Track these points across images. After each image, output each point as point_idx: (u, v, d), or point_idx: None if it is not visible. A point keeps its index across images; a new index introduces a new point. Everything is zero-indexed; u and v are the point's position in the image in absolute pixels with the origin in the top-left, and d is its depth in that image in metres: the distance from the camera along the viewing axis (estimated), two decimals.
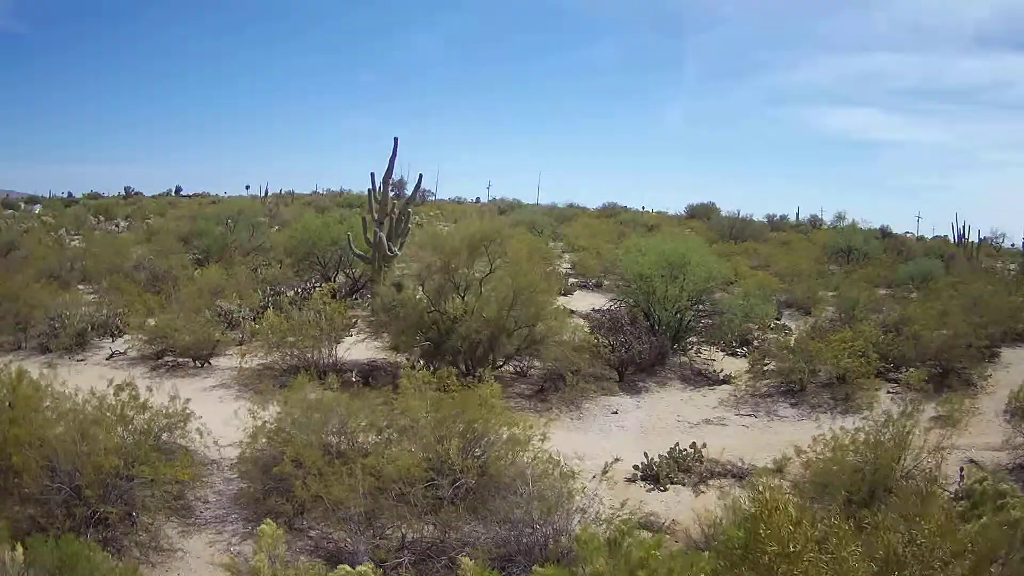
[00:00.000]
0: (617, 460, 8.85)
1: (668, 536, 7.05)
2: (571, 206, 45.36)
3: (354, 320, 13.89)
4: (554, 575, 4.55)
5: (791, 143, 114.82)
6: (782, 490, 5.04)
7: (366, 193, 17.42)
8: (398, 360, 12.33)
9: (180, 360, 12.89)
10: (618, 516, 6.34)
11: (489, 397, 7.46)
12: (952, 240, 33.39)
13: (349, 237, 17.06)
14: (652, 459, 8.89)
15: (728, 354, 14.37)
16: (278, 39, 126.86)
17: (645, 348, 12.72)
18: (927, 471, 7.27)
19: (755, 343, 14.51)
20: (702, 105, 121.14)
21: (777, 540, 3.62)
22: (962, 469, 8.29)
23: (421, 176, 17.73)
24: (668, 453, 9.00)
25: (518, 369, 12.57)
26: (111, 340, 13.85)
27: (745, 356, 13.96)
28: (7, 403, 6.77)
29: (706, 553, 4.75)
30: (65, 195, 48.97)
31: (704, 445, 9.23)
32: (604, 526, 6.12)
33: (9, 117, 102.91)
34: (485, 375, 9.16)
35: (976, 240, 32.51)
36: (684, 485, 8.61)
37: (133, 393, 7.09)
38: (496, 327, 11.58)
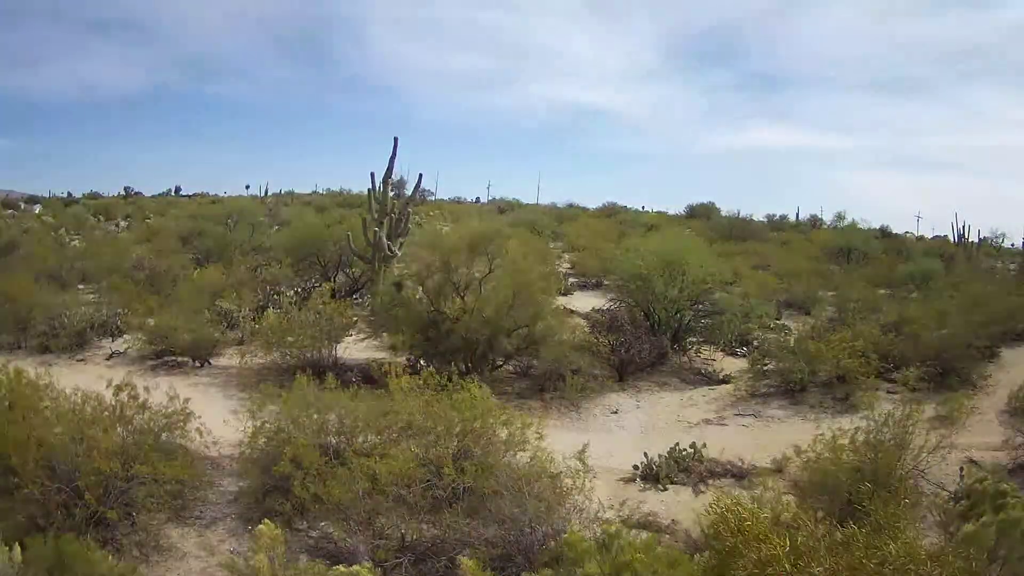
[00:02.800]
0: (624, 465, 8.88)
1: (667, 536, 7.05)
2: (571, 206, 45.41)
3: (354, 320, 13.89)
4: None
5: None
6: (746, 504, 4.97)
7: (366, 193, 17.43)
8: (398, 360, 12.33)
9: (180, 360, 12.89)
10: (618, 516, 6.35)
11: (479, 398, 7.42)
12: (952, 240, 33.38)
13: (349, 237, 17.05)
14: (652, 459, 8.89)
15: (728, 354, 14.37)
16: (278, 37, 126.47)
17: (645, 348, 12.71)
18: (921, 473, 7.24)
19: (755, 343, 14.51)
20: None
21: (751, 554, 3.63)
22: (962, 469, 8.27)
23: (421, 176, 17.71)
24: (668, 453, 8.99)
25: (518, 369, 12.57)
26: (111, 340, 13.85)
27: (745, 356, 13.95)
28: (6, 403, 6.77)
29: (696, 555, 4.74)
30: (65, 195, 48.87)
31: (704, 445, 9.22)
32: (599, 526, 6.12)
33: (8, 116, 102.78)
34: (483, 372, 9.16)
35: (976, 240, 32.50)
36: (684, 485, 8.61)
37: (132, 393, 7.09)
38: (495, 327, 11.58)
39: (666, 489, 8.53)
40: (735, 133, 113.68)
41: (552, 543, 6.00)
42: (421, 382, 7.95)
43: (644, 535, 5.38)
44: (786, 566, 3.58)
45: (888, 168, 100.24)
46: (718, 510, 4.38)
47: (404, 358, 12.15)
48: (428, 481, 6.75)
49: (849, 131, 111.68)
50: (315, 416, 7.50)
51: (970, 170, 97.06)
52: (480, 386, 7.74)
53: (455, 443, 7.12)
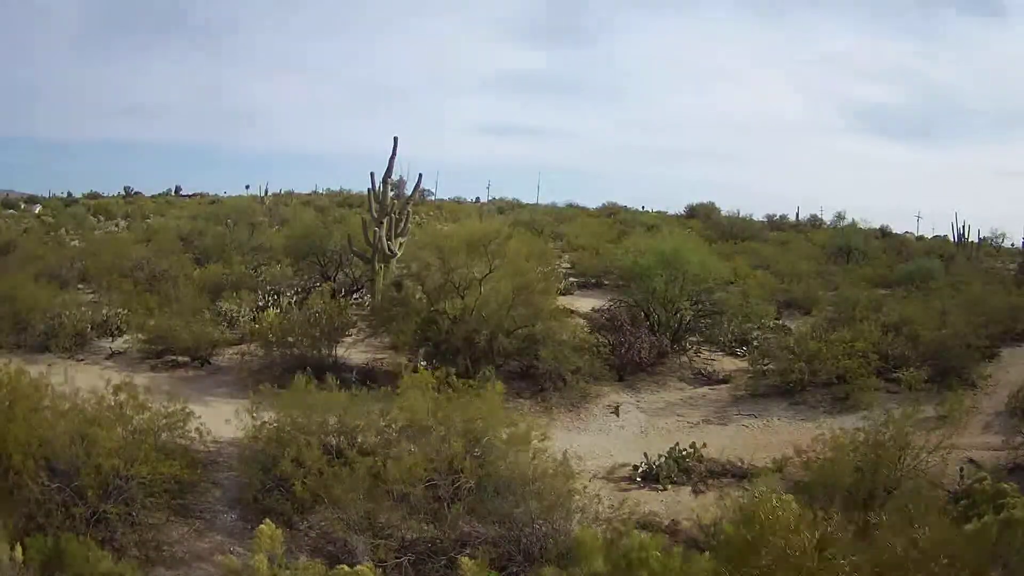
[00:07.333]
0: (624, 466, 8.91)
1: (668, 536, 7.05)
2: (571, 206, 45.35)
3: (354, 320, 13.88)
4: None
5: None
6: (781, 497, 5.00)
7: (366, 193, 17.39)
8: (398, 360, 12.32)
9: (180, 360, 12.88)
10: (618, 516, 6.34)
11: (491, 399, 7.42)
12: (952, 240, 33.35)
13: (349, 237, 17.02)
14: (652, 459, 8.89)
15: (728, 354, 14.36)
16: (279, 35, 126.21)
17: (645, 348, 12.71)
18: (928, 472, 7.24)
19: (755, 343, 14.50)
20: None
21: (776, 545, 3.62)
22: (962, 469, 8.27)
23: (421, 176, 17.61)
24: (668, 453, 8.99)
25: (518, 369, 12.55)
26: (111, 340, 13.82)
27: (745, 356, 13.95)
28: (6, 402, 6.76)
29: (706, 553, 4.74)
30: (65, 195, 48.74)
31: (704, 445, 9.22)
32: (603, 526, 6.11)
33: (8, 115, 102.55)
34: (489, 375, 9.15)
35: (976, 240, 32.47)
36: (684, 485, 8.61)
37: (132, 393, 7.09)
38: (495, 327, 11.57)
39: (666, 489, 8.53)
40: None
41: (552, 543, 6.01)
42: (436, 380, 7.92)
43: (644, 535, 5.37)
44: (812, 561, 3.57)
45: None
46: (750, 499, 4.34)
47: (405, 358, 12.15)
48: (430, 480, 6.75)
49: None
50: (315, 416, 7.49)
51: None
52: (496, 385, 7.71)
53: (461, 442, 7.10)
